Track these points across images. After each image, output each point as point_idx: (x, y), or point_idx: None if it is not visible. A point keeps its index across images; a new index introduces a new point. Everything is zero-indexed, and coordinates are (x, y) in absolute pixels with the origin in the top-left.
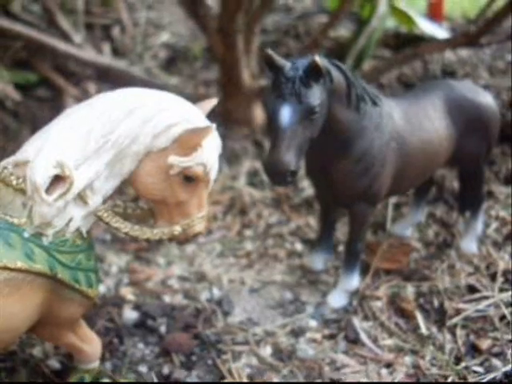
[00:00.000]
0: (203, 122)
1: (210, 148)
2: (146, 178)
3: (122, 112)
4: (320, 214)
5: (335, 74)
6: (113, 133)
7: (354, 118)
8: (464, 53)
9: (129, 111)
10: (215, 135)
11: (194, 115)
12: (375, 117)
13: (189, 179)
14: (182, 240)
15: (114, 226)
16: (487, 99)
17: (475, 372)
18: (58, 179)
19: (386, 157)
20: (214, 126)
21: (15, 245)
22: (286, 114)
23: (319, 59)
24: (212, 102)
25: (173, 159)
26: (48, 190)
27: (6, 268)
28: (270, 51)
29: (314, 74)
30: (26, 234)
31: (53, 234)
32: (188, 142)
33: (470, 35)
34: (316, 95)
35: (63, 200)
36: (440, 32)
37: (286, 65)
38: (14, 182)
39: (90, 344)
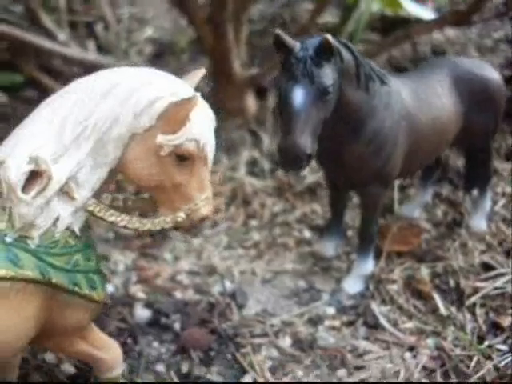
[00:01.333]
0: (188, 92)
1: (201, 120)
2: (136, 163)
3: (97, 94)
4: (330, 199)
5: (344, 53)
6: (90, 118)
7: (364, 97)
8: (451, 32)
9: (104, 92)
10: (204, 106)
11: (178, 87)
12: (384, 96)
13: (183, 158)
14: (189, 227)
15: (108, 221)
16: (493, 74)
17: (499, 350)
18: (35, 176)
19: (398, 136)
20: (199, 95)
21: None
22: (298, 95)
23: (330, 38)
24: (200, 73)
25: (161, 138)
26: (25, 189)
27: None
28: (278, 31)
29: (325, 53)
30: (8, 239)
31: (39, 236)
32: (174, 116)
33: (459, 14)
34: (328, 75)
35: (43, 197)
36: (426, 13)
37: (296, 45)
38: None
39: (106, 350)
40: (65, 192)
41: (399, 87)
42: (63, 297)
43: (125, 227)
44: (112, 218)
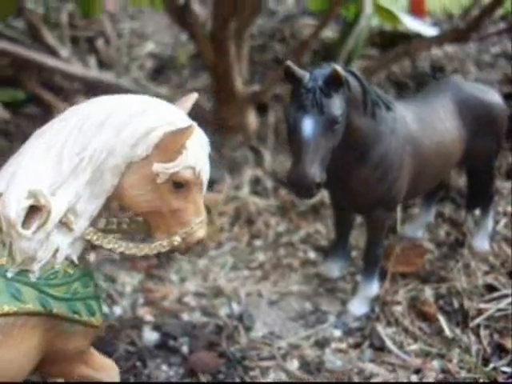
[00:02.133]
0: (183, 121)
1: (196, 148)
2: (132, 191)
3: (92, 124)
4: (335, 221)
5: (352, 81)
6: (86, 149)
7: (371, 124)
8: (450, 48)
9: (99, 122)
10: (200, 133)
11: (173, 116)
12: (390, 121)
13: (179, 185)
14: (185, 250)
15: (106, 248)
16: (495, 97)
17: (504, 372)
18: (34, 210)
19: (403, 161)
20: (195, 124)
21: None
22: (308, 126)
23: (340, 68)
24: (192, 98)
25: (157, 167)
26: (25, 223)
27: None
28: (289, 63)
29: (334, 83)
30: (9, 274)
31: (39, 269)
32: (170, 145)
33: (459, 31)
34: (337, 105)
35: (43, 231)
36: (425, 29)
37: (305, 76)
38: None
39: (106, 372)
40: (63, 223)
41: (404, 112)
42: (63, 325)
43: (122, 253)
44: (110, 246)
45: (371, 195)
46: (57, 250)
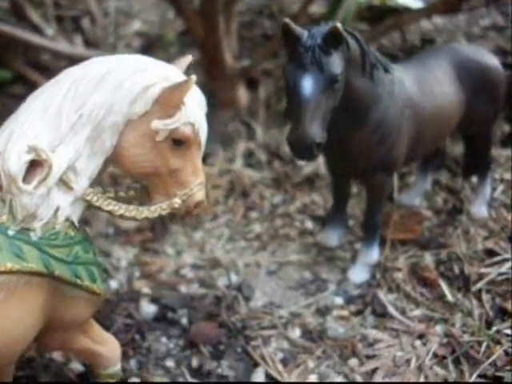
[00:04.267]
0: (182, 78)
1: (194, 105)
2: (132, 150)
3: (90, 82)
4: (332, 188)
5: (351, 41)
6: (84, 106)
7: (369, 86)
8: (439, 20)
9: (98, 79)
10: (197, 91)
11: (171, 72)
12: (388, 84)
13: (178, 143)
14: (184, 213)
15: (106, 210)
16: (493, 61)
17: (507, 335)
18: (34, 165)
19: (402, 124)
20: (193, 78)
21: (1, 245)
22: (308, 84)
23: (340, 25)
24: (187, 59)
25: (156, 123)
26: (25, 179)
27: None
28: (287, 20)
29: (333, 41)
30: (10, 232)
31: (41, 228)
32: (169, 101)
33: (449, 2)
34: (337, 63)
35: (45, 186)
36: (413, 2)
37: (304, 33)
38: None
39: (106, 345)
40: (63, 182)
41: (402, 75)
42: (65, 289)
43: (122, 216)
44: (109, 207)
45: (371, 158)
46: (57, 209)
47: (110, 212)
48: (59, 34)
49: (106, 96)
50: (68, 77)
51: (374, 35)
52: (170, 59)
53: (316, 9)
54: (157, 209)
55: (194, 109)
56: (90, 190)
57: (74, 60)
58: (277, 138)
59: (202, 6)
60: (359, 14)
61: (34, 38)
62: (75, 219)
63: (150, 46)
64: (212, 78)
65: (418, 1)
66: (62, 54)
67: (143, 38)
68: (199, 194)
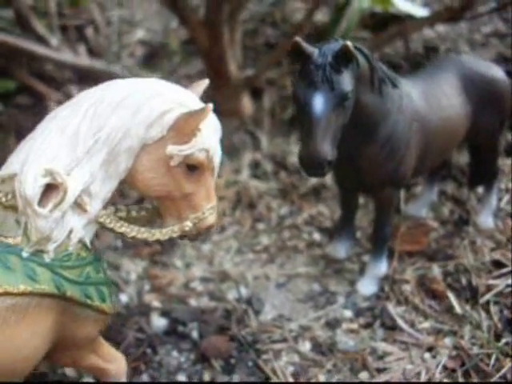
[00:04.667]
0: (198, 104)
1: (210, 131)
2: (146, 173)
3: (108, 105)
4: (340, 201)
5: (360, 58)
6: (102, 130)
7: (378, 101)
8: (442, 28)
9: (116, 103)
10: (213, 117)
11: (188, 98)
12: (396, 99)
13: (192, 168)
14: (195, 236)
15: (118, 232)
16: (499, 73)
17: None
18: (50, 188)
19: (410, 138)
20: (210, 106)
21: (14, 267)
22: (319, 102)
23: (350, 44)
24: (203, 84)
25: (171, 149)
26: (41, 202)
27: (8, 293)
28: (297, 39)
29: (343, 59)
30: (24, 254)
31: (54, 249)
32: (185, 127)
33: (453, 10)
34: (347, 81)
35: (59, 210)
36: (416, 9)
37: (314, 52)
38: (3, 199)
39: (114, 363)
40: (78, 204)
41: (410, 89)
42: (75, 310)
43: (134, 238)
44: (122, 229)
45: (380, 173)
46: (71, 231)
47: (122, 234)
48: (63, 43)
49: (124, 120)
50: (86, 99)
51: (377, 43)
52: (173, 68)
53: (320, 17)
54: (168, 231)
55: (209, 135)
56: (104, 212)
57: (78, 70)
58: (282, 148)
59: (206, 16)
60: (362, 22)
61: (39, 49)
62: (88, 241)
63: (154, 54)
64: (216, 87)
65: (420, 8)
66: (67, 65)
67: (146, 46)
68: (211, 218)
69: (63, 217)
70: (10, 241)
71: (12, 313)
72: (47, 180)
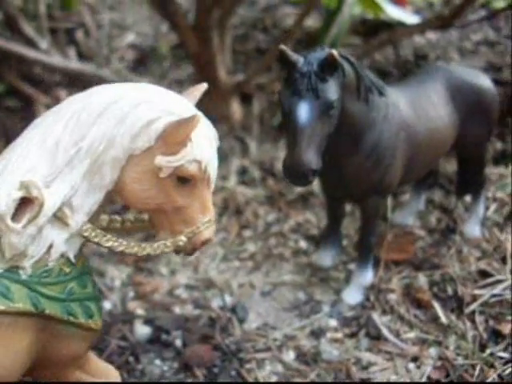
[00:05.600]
0: (188, 111)
1: (202, 140)
2: (134, 185)
3: (91, 113)
4: (327, 209)
5: (346, 66)
6: (84, 139)
7: (364, 110)
8: (432, 36)
9: (99, 111)
10: (207, 124)
11: (177, 105)
12: (383, 108)
13: (184, 180)
14: (190, 251)
15: (105, 246)
16: (486, 82)
17: (501, 358)
18: (26, 202)
19: (396, 147)
20: (200, 114)
21: None
22: (303, 110)
23: (335, 52)
24: (201, 88)
25: (160, 160)
26: (16, 216)
27: None
28: (283, 47)
29: (329, 67)
30: None
31: (31, 265)
32: (174, 137)
33: (442, 18)
34: (333, 89)
35: (34, 225)
36: (407, 17)
37: (300, 60)
38: None
39: (104, 377)
40: (58, 218)
41: (396, 98)
42: (57, 327)
43: (122, 252)
44: (109, 244)
45: (365, 182)
46: (51, 246)
47: (109, 248)
48: (53, 46)
49: (107, 129)
50: (70, 106)
51: (367, 50)
52: (163, 72)
53: (310, 23)
54: (160, 245)
55: (202, 145)
56: (89, 225)
57: (67, 73)
58: (271, 154)
59: (195, 20)
60: (353, 28)
61: (28, 51)
62: (71, 255)
63: (144, 58)
64: (205, 93)
65: (411, 16)
66: (56, 68)
67: (137, 50)
68: (207, 232)
69: (41, 232)
70: None
71: None
72: (21, 194)
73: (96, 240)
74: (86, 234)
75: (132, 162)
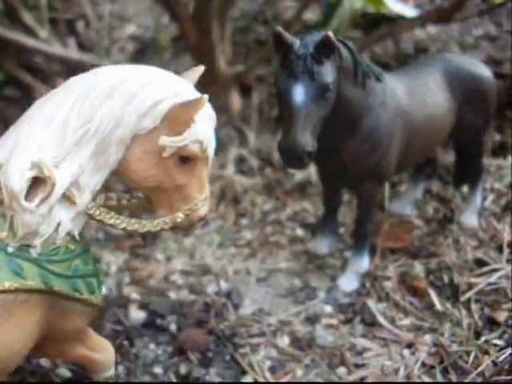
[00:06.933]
0: (193, 93)
1: (204, 122)
2: (137, 164)
3: (99, 94)
4: (323, 196)
5: (343, 50)
6: (92, 120)
7: (360, 94)
8: (433, 30)
9: (107, 92)
10: (208, 107)
11: (182, 87)
12: (380, 93)
13: (185, 159)
14: (186, 227)
15: (108, 223)
16: (485, 71)
17: (496, 345)
18: (37, 181)
19: (393, 133)
20: (205, 97)
21: (0, 263)
22: (299, 92)
23: (331, 34)
24: (198, 71)
25: (164, 140)
26: (28, 196)
27: None
28: (279, 29)
29: (325, 50)
30: (10, 249)
31: (41, 244)
32: (179, 118)
33: (443, 12)
34: (328, 72)
35: (47, 204)
36: (408, 10)
37: (296, 42)
38: None
39: (102, 351)
40: (66, 197)
41: (394, 84)
42: (63, 303)
43: (124, 229)
44: (111, 221)
45: (362, 167)
46: (59, 225)
47: (112, 225)
48: (53, 36)
49: (115, 110)
50: (76, 86)
51: (367, 43)
52: (163, 64)
53: (310, 15)
54: (159, 222)
55: (204, 126)
56: (93, 203)
57: (67, 63)
58: (269, 145)
59: (195, 11)
60: (353, 22)
61: (28, 41)
62: (76, 233)
63: (144, 50)
64: (205, 83)
65: (412, 9)
66: (56, 57)
67: (137, 41)
68: (203, 210)
69: (51, 210)
70: None
71: None
72: (34, 173)
73: (99, 218)
74: (90, 212)
75: (137, 142)
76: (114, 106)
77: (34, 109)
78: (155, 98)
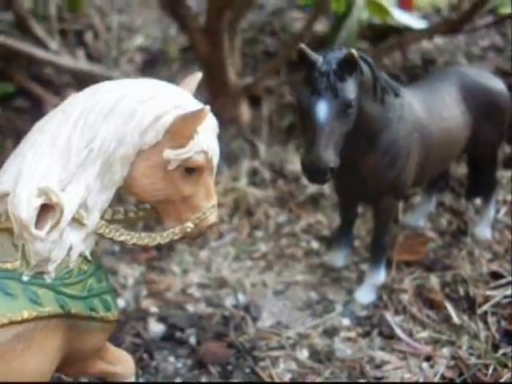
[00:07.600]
0: (194, 104)
1: (208, 131)
2: (143, 179)
3: (99, 113)
4: (340, 210)
5: (363, 66)
6: (94, 140)
7: (380, 110)
8: (440, 41)
9: (107, 110)
10: (210, 116)
11: (182, 99)
12: (398, 108)
13: (191, 170)
14: (196, 236)
15: (118, 241)
16: (499, 85)
17: None
18: (45, 207)
19: (411, 147)
20: (207, 107)
21: (15, 293)
22: (322, 109)
23: (355, 52)
24: (196, 78)
25: (168, 153)
26: (37, 223)
27: (12, 323)
28: (303, 46)
29: (348, 67)
30: (24, 278)
31: (55, 269)
32: (181, 131)
33: (451, 23)
34: (351, 88)
35: (57, 230)
36: (415, 22)
37: (319, 59)
38: None
39: (120, 364)
40: (75, 220)
41: (411, 99)
42: (80, 323)
43: (134, 244)
44: (122, 238)
45: (381, 181)
46: (70, 248)
47: (122, 242)
48: (62, 47)
49: (117, 128)
50: (76, 106)
51: (375, 54)
52: (172, 75)
53: (319, 27)
54: (169, 234)
55: (207, 136)
56: (102, 222)
57: (76, 74)
58: (280, 156)
59: (207, 23)
60: (361, 33)
61: (38, 52)
62: (88, 253)
63: (153, 61)
64: (215, 95)
65: (419, 21)
66: (65, 68)
67: (145, 53)
68: (212, 217)
69: (61, 235)
70: (9, 266)
71: (18, 342)
72: (42, 200)
73: (110, 236)
74: (100, 231)
75: (141, 158)
76: (116, 124)
77: (33, 133)
78: (156, 113)
